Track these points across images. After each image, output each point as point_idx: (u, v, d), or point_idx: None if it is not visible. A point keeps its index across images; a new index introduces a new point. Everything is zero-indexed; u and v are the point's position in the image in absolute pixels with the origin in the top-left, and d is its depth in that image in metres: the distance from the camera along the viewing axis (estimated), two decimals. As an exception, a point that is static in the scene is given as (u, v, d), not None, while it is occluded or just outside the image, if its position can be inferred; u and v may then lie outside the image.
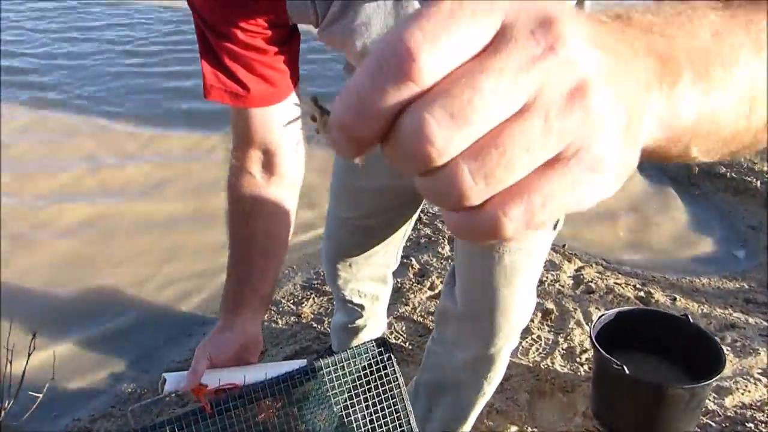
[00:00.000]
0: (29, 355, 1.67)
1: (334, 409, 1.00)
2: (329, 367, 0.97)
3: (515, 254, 1.01)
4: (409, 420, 1.01)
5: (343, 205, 1.26)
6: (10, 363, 1.63)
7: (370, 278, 1.37)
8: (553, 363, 1.78)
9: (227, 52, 0.78)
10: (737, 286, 2.28)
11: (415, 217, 1.31)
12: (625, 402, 1.47)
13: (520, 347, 1.84)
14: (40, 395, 1.65)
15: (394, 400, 1.01)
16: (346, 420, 0.99)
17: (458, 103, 0.21)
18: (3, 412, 1.66)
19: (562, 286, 2.15)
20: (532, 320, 1.95)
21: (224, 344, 0.92)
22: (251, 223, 0.90)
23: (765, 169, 2.93)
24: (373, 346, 0.99)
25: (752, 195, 2.83)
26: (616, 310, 1.63)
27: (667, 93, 0.28)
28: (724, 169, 2.99)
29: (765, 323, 1.99)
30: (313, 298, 2.07)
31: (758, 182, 2.85)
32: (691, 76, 0.29)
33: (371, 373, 1.00)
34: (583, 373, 1.74)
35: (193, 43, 0.88)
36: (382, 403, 1.00)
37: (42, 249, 2.27)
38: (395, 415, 1.01)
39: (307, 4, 0.77)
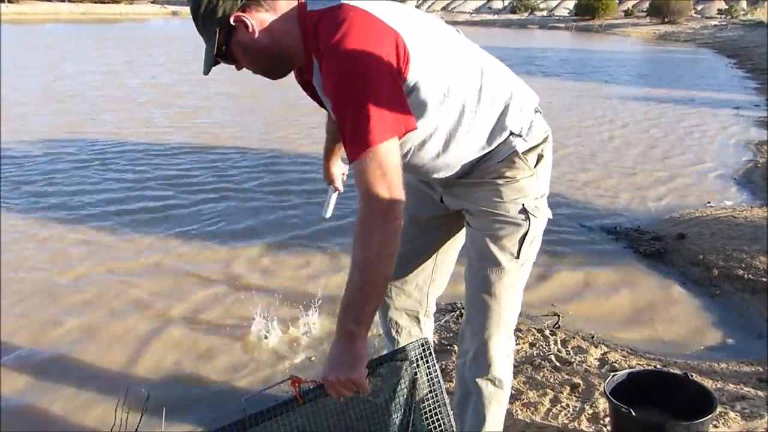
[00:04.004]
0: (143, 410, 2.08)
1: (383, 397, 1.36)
2: (386, 361, 1.35)
3: (486, 271, 1.45)
4: (443, 397, 1.40)
5: None
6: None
7: (405, 311, 1.70)
8: (579, 425, 2.05)
9: None
10: (753, 369, 2.51)
11: (439, 260, 1.66)
12: (635, 443, 1.74)
13: (550, 413, 2.13)
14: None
15: (434, 387, 1.39)
16: (395, 402, 1.35)
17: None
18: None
19: (589, 366, 2.44)
20: (561, 392, 2.24)
21: None
22: None
23: (780, 270, 3.21)
24: (417, 344, 1.39)
25: (769, 293, 3.10)
26: (627, 371, 1.94)
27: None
28: (742, 272, 3.28)
29: (774, 396, 2.22)
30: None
31: (773, 282, 3.13)
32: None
33: (417, 365, 1.37)
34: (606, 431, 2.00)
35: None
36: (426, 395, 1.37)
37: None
38: (435, 399, 1.38)
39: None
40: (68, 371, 2.56)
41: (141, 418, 2.06)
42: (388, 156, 1.16)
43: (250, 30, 1.22)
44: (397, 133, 1.17)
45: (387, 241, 1.18)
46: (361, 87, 1.14)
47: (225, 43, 1.25)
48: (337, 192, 1.84)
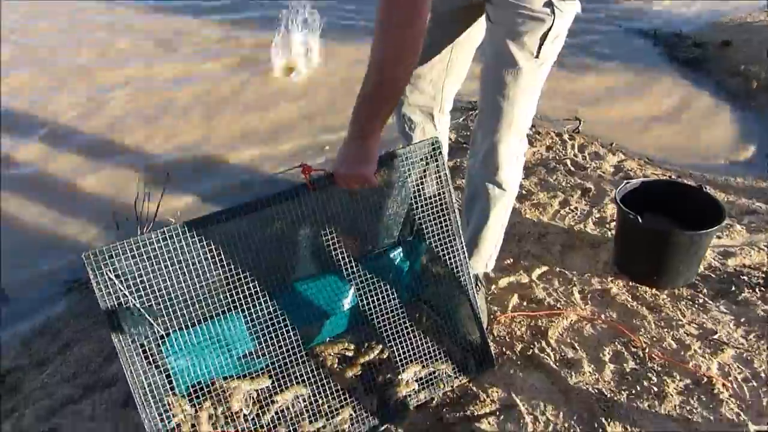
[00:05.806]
0: (162, 193, 2.16)
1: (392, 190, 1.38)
2: (396, 157, 1.34)
3: (501, 72, 1.37)
4: (450, 197, 1.40)
5: None
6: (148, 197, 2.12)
7: (419, 107, 1.64)
8: (585, 227, 2.10)
9: None
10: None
11: (454, 55, 1.56)
12: (638, 247, 1.79)
13: (558, 214, 2.16)
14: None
15: (442, 186, 1.39)
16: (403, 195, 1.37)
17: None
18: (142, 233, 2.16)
19: (603, 173, 2.43)
20: (571, 195, 2.26)
21: None
22: None
23: (823, 86, 3.03)
24: (428, 142, 1.37)
25: (805, 109, 2.96)
26: (641, 179, 1.92)
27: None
28: (782, 85, 3.11)
29: (784, 212, 2.22)
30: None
31: (813, 98, 2.98)
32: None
33: (427, 164, 1.37)
34: (610, 235, 2.05)
35: None
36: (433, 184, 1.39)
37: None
38: (442, 197, 1.39)
39: None
40: (85, 146, 2.62)
41: (163, 191, 2.15)
42: None
43: None
44: None
45: (407, 43, 1.10)
46: None
47: None
48: None
